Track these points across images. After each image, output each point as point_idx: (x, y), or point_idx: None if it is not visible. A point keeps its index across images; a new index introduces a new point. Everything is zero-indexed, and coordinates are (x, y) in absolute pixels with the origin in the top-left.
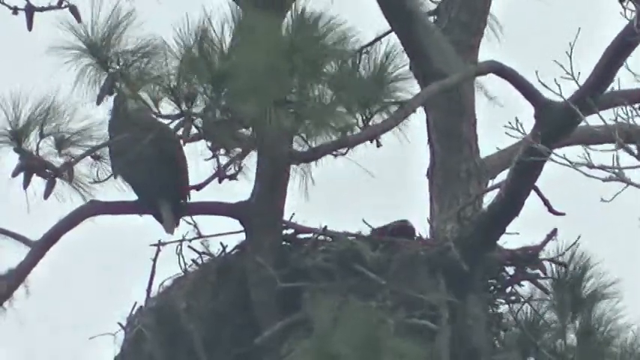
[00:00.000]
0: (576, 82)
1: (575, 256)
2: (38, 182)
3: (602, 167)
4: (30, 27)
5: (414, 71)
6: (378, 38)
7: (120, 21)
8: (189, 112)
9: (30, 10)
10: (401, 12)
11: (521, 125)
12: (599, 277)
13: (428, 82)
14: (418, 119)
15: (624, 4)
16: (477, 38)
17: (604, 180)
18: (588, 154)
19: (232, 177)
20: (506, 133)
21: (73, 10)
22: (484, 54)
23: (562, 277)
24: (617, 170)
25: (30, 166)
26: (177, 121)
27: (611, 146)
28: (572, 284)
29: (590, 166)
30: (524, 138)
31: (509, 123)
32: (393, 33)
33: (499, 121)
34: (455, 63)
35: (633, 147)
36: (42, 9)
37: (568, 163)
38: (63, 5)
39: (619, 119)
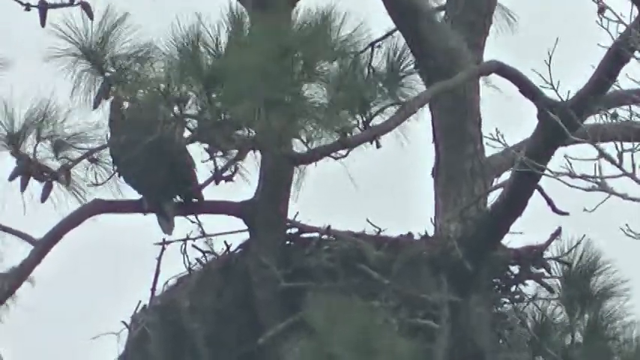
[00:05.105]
0: (556, 91)
1: (585, 252)
2: (35, 186)
3: (584, 177)
4: (43, 23)
5: (420, 70)
6: (389, 33)
7: (114, 24)
8: (181, 115)
9: (43, 7)
10: (406, 10)
11: (502, 136)
12: (609, 275)
13: (433, 81)
14: (423, 118)
15: (602, 14)
16: (482, 37)
17: (586, 190)
18: (570, 163)
19: (229, 178)
20: (486, 143)
21: (85, 6)
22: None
23: (570, 274)
24: (599, 180)
25: (27, 170)
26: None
27: (593, 155)
28: (580, 281)
29: (572, 175)
30: (508, 148)
31: (490, 134)
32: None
33: (504, 120)
34: (464, 57)
35: (614, 156)
36: (55, 6)
37: (550, 174)
38: (75, 2)
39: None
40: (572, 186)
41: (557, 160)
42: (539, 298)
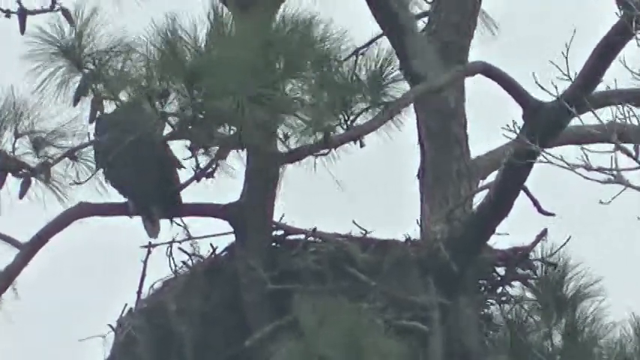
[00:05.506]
0: (572, 82)
1: (556, 256)
2: (13, 182)
3: (601, 169)
4: (23, 30)
5: (404, 72)
6: (373, 40)
7: (87, 20)
8: (163, 111)
9: (23, 14)
10: (387, 14)
11: (518, 127)
12: (580, 277)
13: (416, 82)
14: (409, 120)
15: (621, 4)
16: (467, 39)
17: (602, 182)
18: (586, 155)
19: (209, 175)
20: (503, 134)
21: (66, 13)
22: (480, 54)
23: (545, 277)
24: (615, 172)
25: (4, 166)
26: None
27: (609, 147)
28: (555, 285)
29: (588, 168)
30: (515, 138)
31: (507, 125)
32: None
33: (489, 122)
34: (435, 66)
35: (631, 148)
36: (34, 12)
37: (566, 165)
38: (55, 9)
39: (616, 119)
40: (588, 178)
41: (573, 153)
42: (525, 300)
